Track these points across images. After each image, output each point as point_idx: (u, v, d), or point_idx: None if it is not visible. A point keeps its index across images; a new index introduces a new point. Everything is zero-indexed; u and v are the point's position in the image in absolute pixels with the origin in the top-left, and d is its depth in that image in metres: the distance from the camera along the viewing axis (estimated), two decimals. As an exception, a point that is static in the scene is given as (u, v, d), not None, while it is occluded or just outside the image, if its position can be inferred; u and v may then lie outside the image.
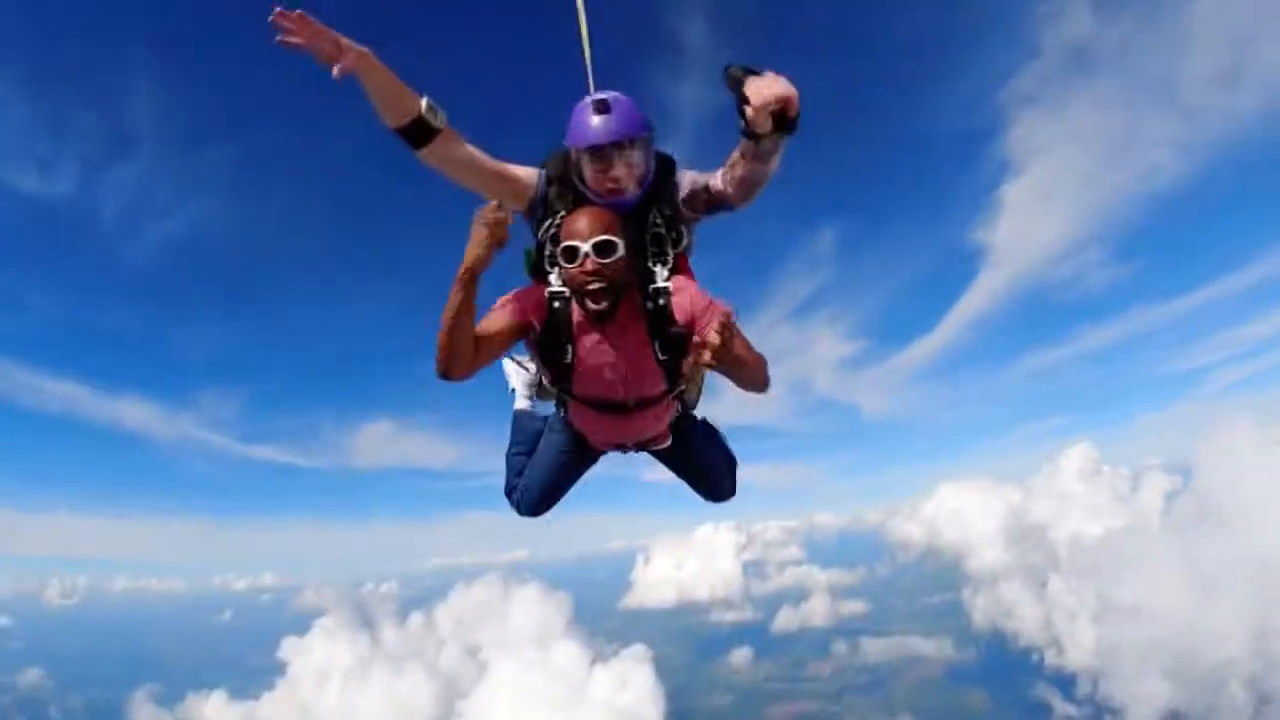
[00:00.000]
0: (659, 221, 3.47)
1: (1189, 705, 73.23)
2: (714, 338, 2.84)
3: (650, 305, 3.35)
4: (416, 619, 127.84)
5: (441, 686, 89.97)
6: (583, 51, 3.86)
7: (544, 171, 3.48)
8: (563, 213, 3.37)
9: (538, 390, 4.77)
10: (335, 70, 2.82)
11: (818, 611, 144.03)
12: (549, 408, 4.50)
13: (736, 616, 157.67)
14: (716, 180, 3.49)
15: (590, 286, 3.18)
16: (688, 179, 3.58)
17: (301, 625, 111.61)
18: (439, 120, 3.12)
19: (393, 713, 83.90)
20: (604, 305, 3.21)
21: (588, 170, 3.28)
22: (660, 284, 3.36)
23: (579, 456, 4.23)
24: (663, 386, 3.60)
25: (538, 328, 3.38)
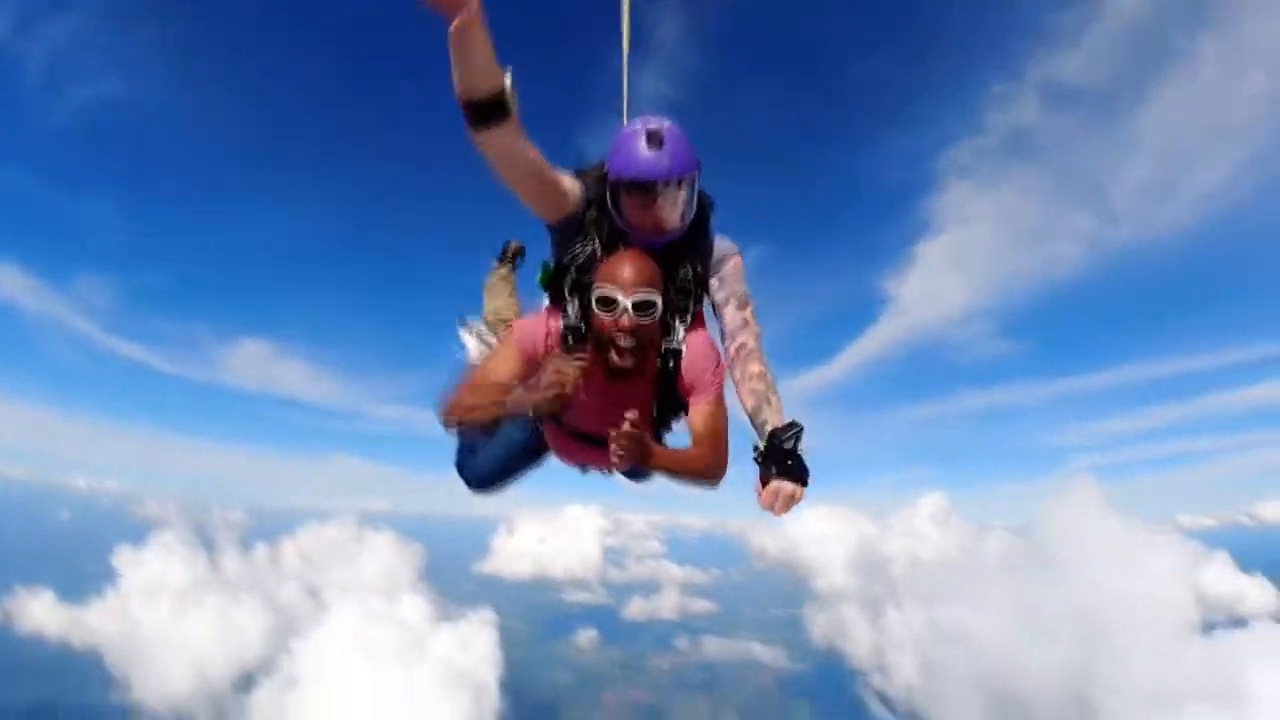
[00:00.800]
0: (689, 276, 3.32)
1: None
2: (618, 446, 2.83)
3: (660, 364, 3.27)
4: (261, 550, 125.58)
5: (277, 621, 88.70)
6: (621, 68, 3.92)
7: (585, 188, 3.29)
8: (596, 241, 3.24)
9: None
10: (455, 20, 2.45)
11: (668, 605, 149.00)
12: None
13: (589, 598, 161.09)
14: (735, 329, 3.45)
15: (620, 344, 3.07)
16: (731, 267, 3.49)
17: (139, 536, 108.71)
18: (514, 103, 2.74)
19: (222, 639, 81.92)
20: (629, 364, 3.11)
21: (627, 202, 3.14)
22: (676, 344, 3.25)
23: (537, 454, 4.14)
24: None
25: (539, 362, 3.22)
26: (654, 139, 3.04)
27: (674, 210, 3.13)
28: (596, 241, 3.22)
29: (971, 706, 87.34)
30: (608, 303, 3.02)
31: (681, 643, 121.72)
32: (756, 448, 3.16)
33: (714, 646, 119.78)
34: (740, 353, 3.40)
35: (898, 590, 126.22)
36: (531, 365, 3.19)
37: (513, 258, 4.97)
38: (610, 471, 3.85)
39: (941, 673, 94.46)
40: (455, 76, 2.58)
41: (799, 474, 3.02)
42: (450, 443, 4.29)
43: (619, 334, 3.04)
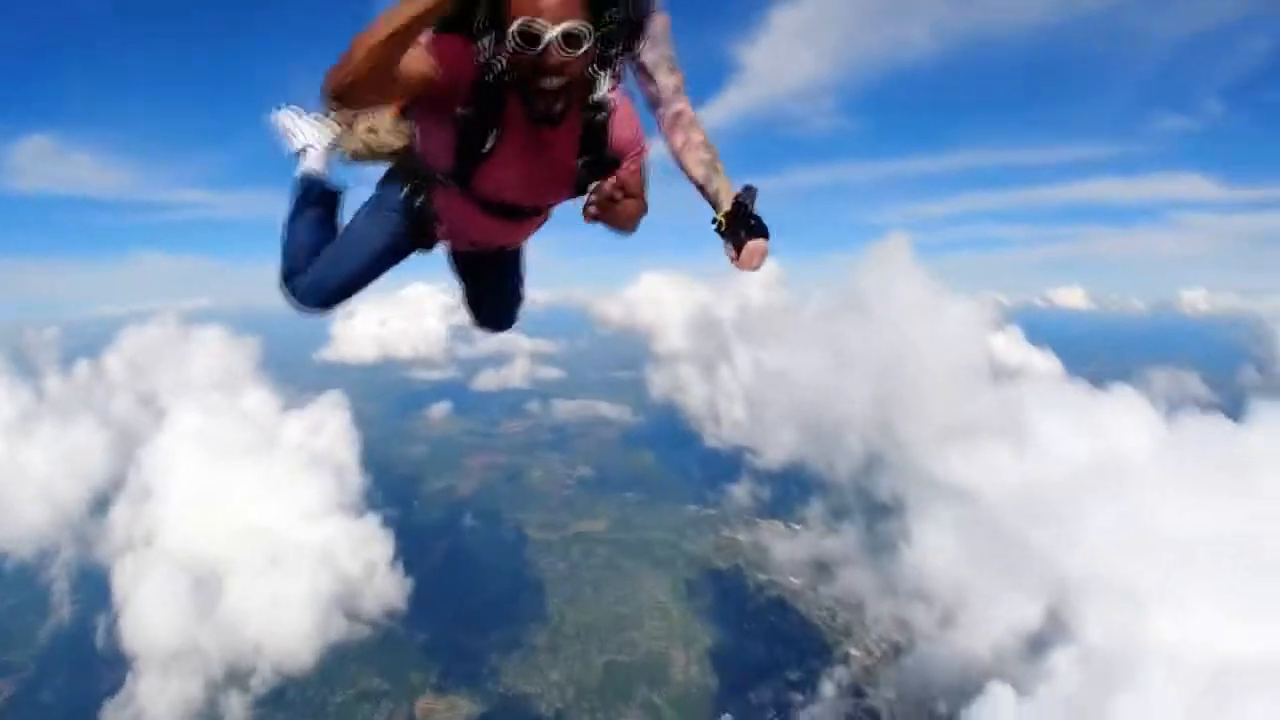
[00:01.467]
0: (620, 19, 2.66)
1: (814, 453, 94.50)
2: (614, 192, 2.74)
3: (586, 118, 2.87)
4: (84, 367, 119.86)
5: (116, 436, 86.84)
6: None
7: None
8: None
9: (339, 153, 3.83)
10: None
11: (517, 374, 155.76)
12: (339, 173, 3.93)
13: (438, 375, 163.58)
14: (670, 95, 3.31)
15: (545, 85, 2.60)
16: (661, 25, 3.27)
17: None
18: None
19: (65, 465, 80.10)
20: (556, 108, 2.68)
21: None
22: (602, 95, 2.82)
23: (407, 246, 3.57)
24: (566, 199, 3.21)
25: (455, 95, 2.70)
26: None
27: None
28: None
29: (790, 435, 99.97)
30: (530, 37, 2.49)
31: (532, 407, 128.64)
32: (716, 218, 3.13)
33: (563, 408, 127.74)
34: (679, 120, 3.30)
35: (729, 348, 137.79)
36: (431, 81, 2.60)
37: None
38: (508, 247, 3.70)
39: (765, 409, 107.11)
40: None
41: (764, 231, 3.02)
42: (274, 229, 3.80)
43: (545, 73, 2.57)
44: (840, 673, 60.72)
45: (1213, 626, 45.06)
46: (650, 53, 3.25)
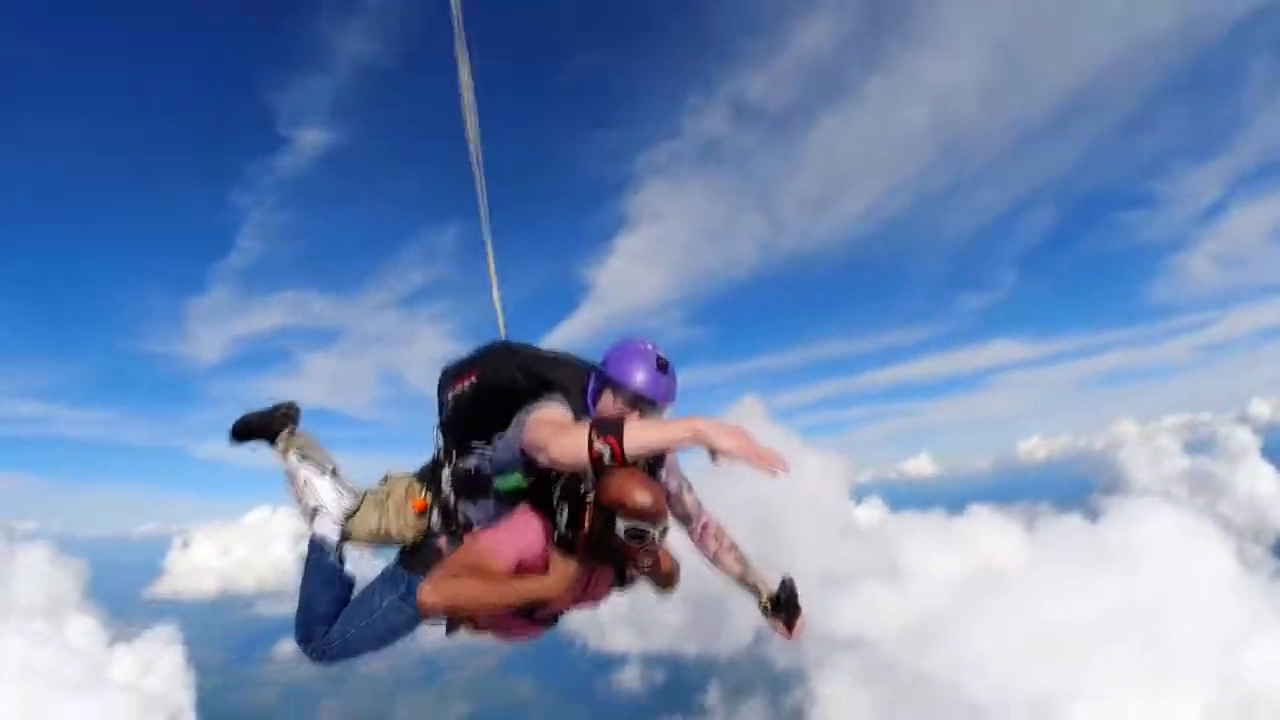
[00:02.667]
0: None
1: (703, 633, 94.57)
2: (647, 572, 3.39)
3: None
4: None
5: None
6: (492, 291, 4.41)
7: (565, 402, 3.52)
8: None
9: (346, 530, 4.18)
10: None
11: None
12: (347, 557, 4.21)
13: (288, 609, 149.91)
14: (696, 510, 4.06)
15: (643, 563, 3.26)
16: (672, 459, 3.92)
17: None
18: None
19: None
20: (641, 575, 3.43)
21: (616, 408, 3.49)
22: None
23: (417, 624, 3.88)
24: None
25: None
26: (664, 366, 3.54)
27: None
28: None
29: (677, 618, 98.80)
30: (639, 534, 3.13)
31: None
32: (762, 603, 4.09)
33: (430, 636, 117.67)
34: (708, 531, 4.09)
35: None
36: (520, 569, 3.27)
37: (293, 419, 4.48)
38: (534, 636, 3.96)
39: (646, 601, 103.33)
40: (641, 452, 2.90)
41: (800, 609, 4.07)
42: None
43: (644, 555, 3.22)
44: None
45: (1130, 706, 46.18)
46: (671, 479, 3.91)
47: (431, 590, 3.06)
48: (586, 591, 3.55)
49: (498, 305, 4.41)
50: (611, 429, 2.80)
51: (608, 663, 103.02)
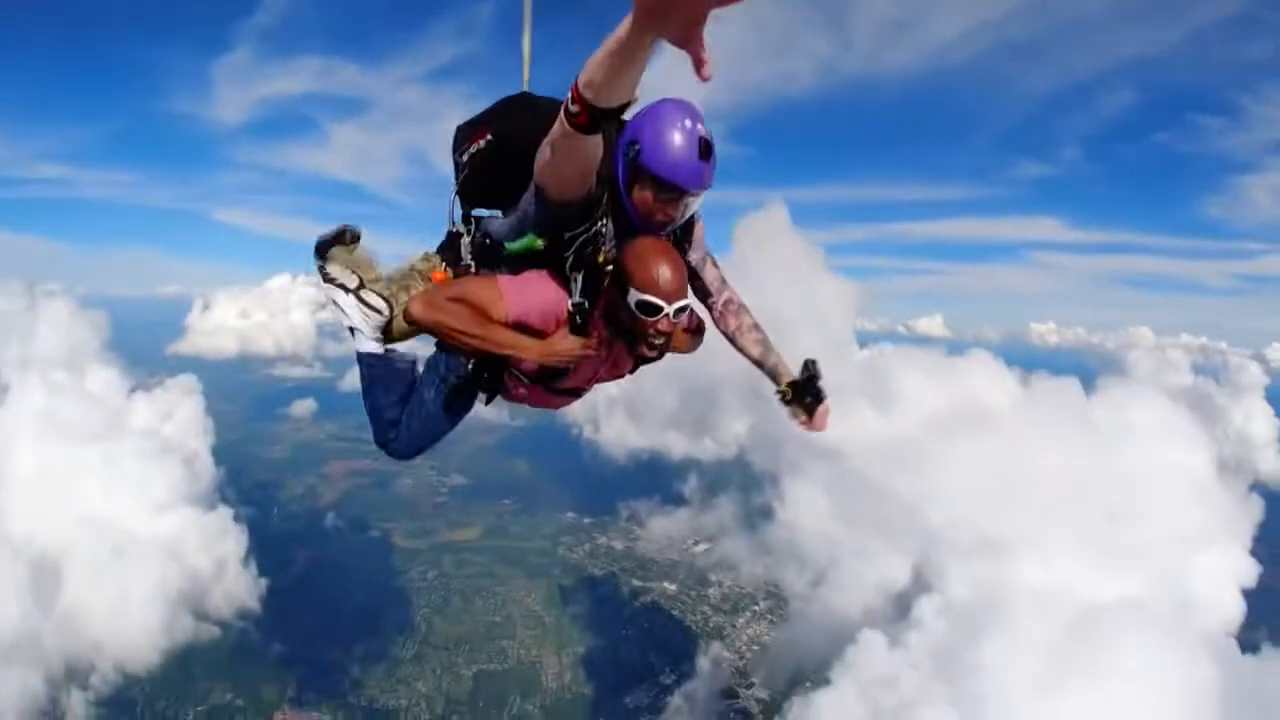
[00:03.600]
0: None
1: (692, 432, 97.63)
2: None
3: None
4: None
5: None
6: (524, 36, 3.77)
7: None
8: (608, 223, 3.24)
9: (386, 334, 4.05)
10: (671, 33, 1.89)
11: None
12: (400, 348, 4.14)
13: (304, 373, 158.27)
14: (717, 286, 3.89)
15: (655, 343, 3.24)
16: (699, 231, 3.72)
17: None
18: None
19: None
20: (657, 358, 3.40)
21: (650, 194, 3.13)
22: None
23: (470, 402, 3.98)
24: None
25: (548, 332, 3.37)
26: (706, 150, 3.03)
27: (689, 212, 3.29)
28: (609, 223, 3.22)
29: (670, 399, 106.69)
30: (652, 309, 3.09)
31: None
32: (781, 389, 3.85)
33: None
34: (729, 307, 3.90)
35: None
36: (523, 326, 3.29)
37: (352, 242, 4.17)
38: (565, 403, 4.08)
39: (643, 393, 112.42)
40: (599, 77, 2.22)
41: (823, 394, 3.77)
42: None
43: (656, 335, 3.19)
44: (714, 674, 61.76)
45: (1074, 571, 47.76)
46: (694, 253, 3.74)
47: (420, 304, 3.23)
48: (604, 367, 3.61)
49: (526, 47, 3.77)
50: (574, 83, 2.33)
51: (597, 449, 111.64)
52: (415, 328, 3.44)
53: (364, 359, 4.04)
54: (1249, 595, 54.34)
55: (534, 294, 3.29)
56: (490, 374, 3.64)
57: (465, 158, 3.50)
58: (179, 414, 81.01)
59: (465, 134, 3.56)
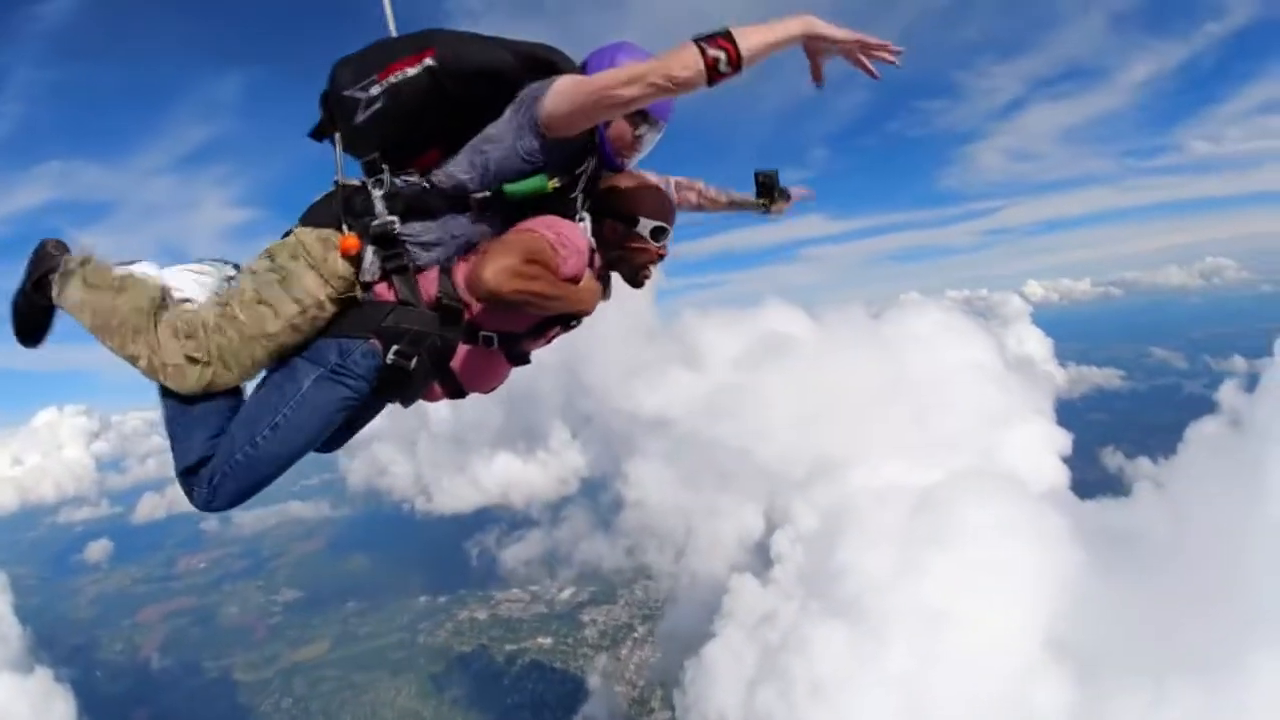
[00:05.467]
0: None
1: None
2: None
3: None
4: None
5: None
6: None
7: None
8: (596, 159, 3.15)
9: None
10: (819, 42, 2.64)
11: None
12: None
13: (91, 513, 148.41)
14: (667, 184, 3.76)
15: (653, 268, 3.38)
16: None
17: None
18: None
19: None
20: (648, 277, 3.42)
21: (626, 126, 3.09)
22: None
23: (363, 412, 3.23)
24: None
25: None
26: None
27: (649, 148, 3.27)
28: (596, 159, 3.13)
29: (494, 400, 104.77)
30: (664, 233, 3.28)
31: (210, 525, 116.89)
32: (760, 204, 4.01)
33: (248, 520, 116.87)
34: (680, 188, 3.85)
35: (426, 414, 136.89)
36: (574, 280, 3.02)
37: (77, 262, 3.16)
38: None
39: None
40: (758, 56, 2.54)
41: (787, 191, 4.06)
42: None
43: (654, 260, 3.34)
44: (611, 713, 61.82)
45: (900, 468, 50.36)
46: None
47: (499, 272, 2.71)
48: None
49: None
50: (720, 32, 2.51)
51: (434, 519, 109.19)
52: (493, 302, 2.80)
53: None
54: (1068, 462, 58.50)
55: (575, 242, 2.99)
56: (433, 359, 3.00)
57: (382, 88, 2.92)
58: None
59: (376, 62, 2.95)
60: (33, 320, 3.15)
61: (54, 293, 3.04)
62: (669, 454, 77.16)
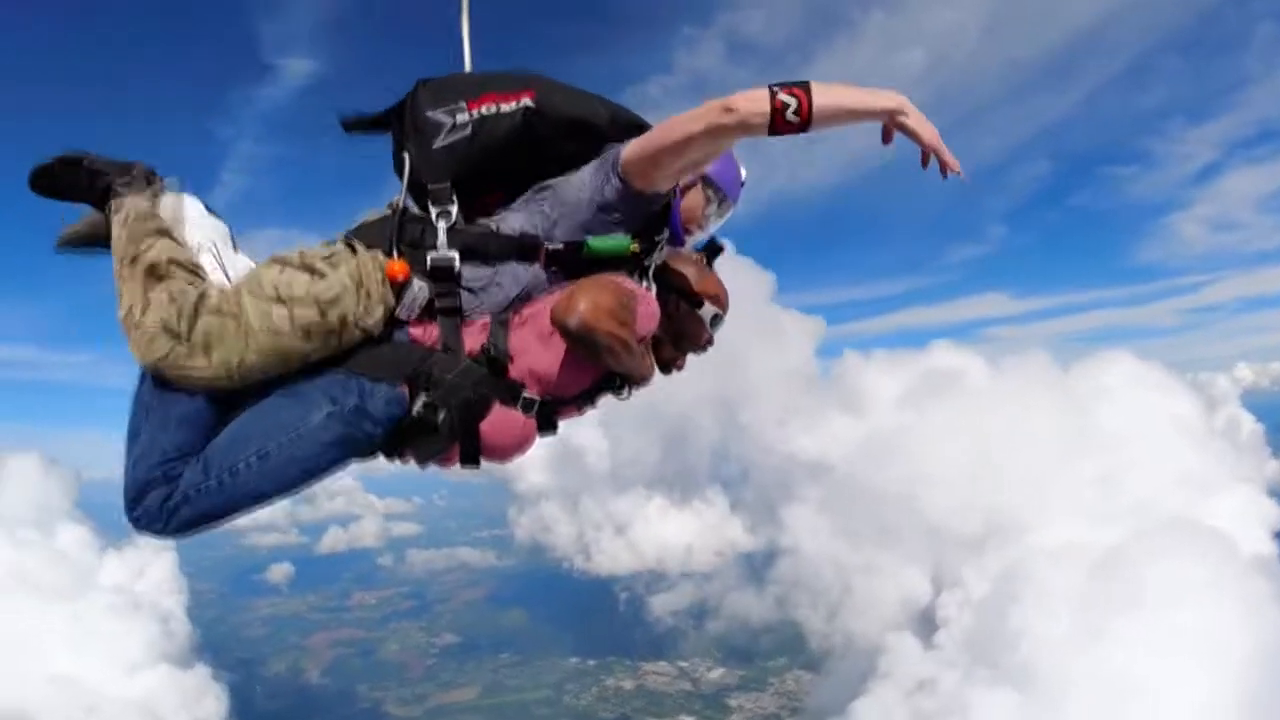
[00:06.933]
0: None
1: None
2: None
3: None
4: None
5: None
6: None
7: None
8: (666, 231, 3.02)
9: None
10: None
11: (368, 532, 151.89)
12: None
13: (278, 539, 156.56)
14: None
15: (695, 355, 3.27)
16: None
17: None
18: None
19: None
20: (682, 368, 3.30)
21: (699, 200, 3.18)
22: None
23: (358, 458, 2.84)
24: None
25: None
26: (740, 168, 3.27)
27: (715, 228, 3.30)
28: (666, 231, 3.01)
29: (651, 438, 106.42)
30: (718, 323, 3.20)
31: (385, 561, 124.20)
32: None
33: (420, 559, 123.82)
34: None
35: (590, 476, 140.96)
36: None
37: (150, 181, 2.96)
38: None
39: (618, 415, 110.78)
40: (832, 119, 2.43)
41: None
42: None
43: (701, 349, 3.21)
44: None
45: (1081, 527, 47.40)
46: None
47: (597, 308, 2.58)
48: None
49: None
50: (799, 82, 2.42)
51: (592, 581, 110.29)
52: (579, 338, 2.60)
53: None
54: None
55: (651, 305, 2.87)
56: (462, 418, 2.71)
57: (470, 117, 2.81)
58: (152, 571, 80.00)
59: (467, 89, 2.88)
60: (54, 185, 2.88)
61: (113, 204, 2.83)
62: (827, 502, 76.41)
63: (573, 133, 2.84)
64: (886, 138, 2.51)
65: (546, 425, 2.89)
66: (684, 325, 3.10)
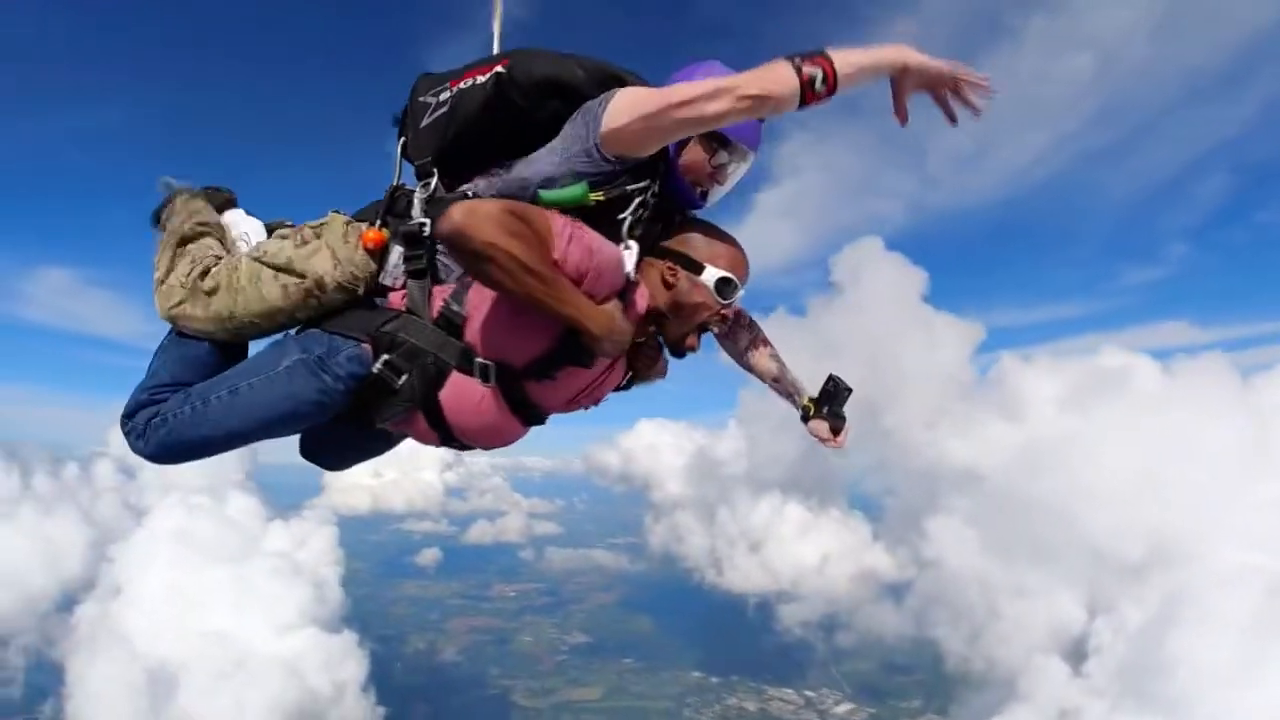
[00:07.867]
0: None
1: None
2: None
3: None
4: (72, 469, 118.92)
5: (96, 535, 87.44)
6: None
7: None
8: (656, 187, 2.80)
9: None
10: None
11: (512, 528, 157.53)
12: None
13: (431, 527, 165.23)
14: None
15: (709, 328, 2.97)
16: None
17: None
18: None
19: (39, 556, 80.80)
20: (697, 350, 2.98)
21: (702, 153, 2.85)
22: None
23: (330, 420, 2.87)
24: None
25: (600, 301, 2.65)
26: None
27: (733, 183, 3.00)
28: (656, 187, 2.81)
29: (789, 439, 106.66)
30: (731, 288, 2.86)
31: (526, 555, 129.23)
32: (805, 406, 3.27)
33: (558, 558, 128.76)
34: (740, 320, 3.45)
35: (729, 491, 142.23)
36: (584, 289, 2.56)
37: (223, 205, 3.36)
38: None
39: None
40: (855, 82, 2.40)
41: (844, 409, 3.25)
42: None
43: (715, 319, 2.92)
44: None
45: (1255, 552, 43.85)
46: None
47: (473, 212, 2.34)
48: (610, 375, 2.96)
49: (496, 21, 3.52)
50: (816, 51, 2.36)
51: (725, 602, 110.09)
52: (456, 246, 2.39)
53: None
54: None
55: (599, 244, 2.60)
56: (422, 383, 2.72)
57: (450, 94, 2.91)
58: (313, 542, 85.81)
59: (454, 71, 2.97)
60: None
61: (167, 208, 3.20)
62: (976, 514, 72.72)
63: (546, 93, 2.78)
64: (901, 112, 2.52)
65: (522, 408, 2.80)
66: (687, 295, 2.84)
